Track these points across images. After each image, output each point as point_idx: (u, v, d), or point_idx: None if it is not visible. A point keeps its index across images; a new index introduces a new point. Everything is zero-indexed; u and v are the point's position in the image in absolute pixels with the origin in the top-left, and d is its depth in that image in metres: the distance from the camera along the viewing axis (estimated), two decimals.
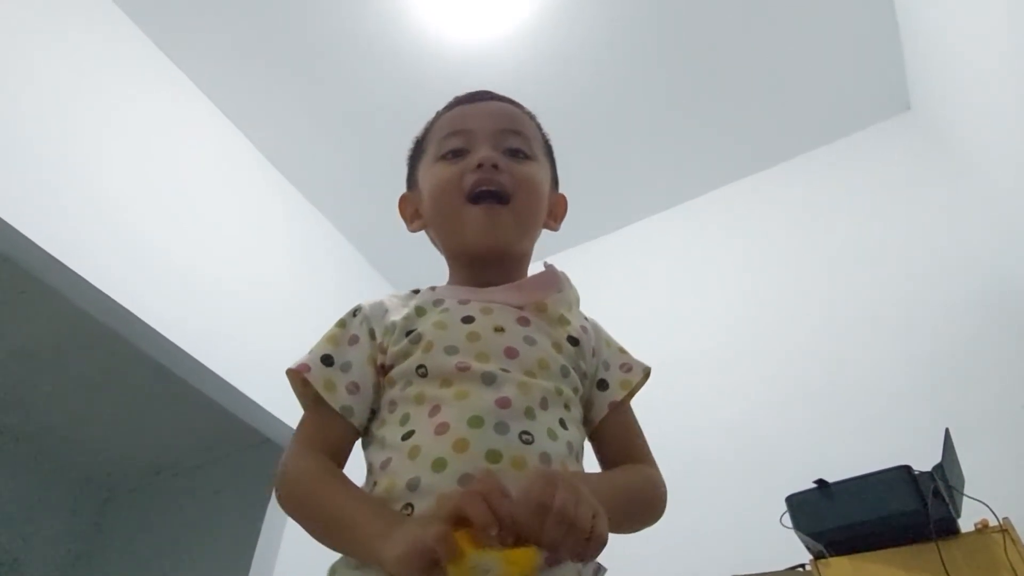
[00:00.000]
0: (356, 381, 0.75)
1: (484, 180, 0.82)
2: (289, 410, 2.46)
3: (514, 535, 0.52)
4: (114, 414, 3.50)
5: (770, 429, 2.19)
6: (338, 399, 0.73)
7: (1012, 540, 1.35)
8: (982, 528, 1.40)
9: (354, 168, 2.98)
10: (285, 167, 2.97)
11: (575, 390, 0.78)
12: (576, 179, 3.00)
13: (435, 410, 0.69)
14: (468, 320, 0.77)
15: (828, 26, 2.54)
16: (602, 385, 0.83)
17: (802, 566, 1.60)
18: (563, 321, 0.81)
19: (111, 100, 2.31)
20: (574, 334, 0.81)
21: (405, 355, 0.75)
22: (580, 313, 0.89)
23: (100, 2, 2.40)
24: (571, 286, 0.89)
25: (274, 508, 2.48)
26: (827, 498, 1.54)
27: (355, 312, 0.82)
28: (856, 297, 2.37)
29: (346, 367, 0.76)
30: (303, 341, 2.67)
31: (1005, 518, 1.40)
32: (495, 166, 0.82)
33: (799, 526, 1.55)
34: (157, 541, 3.69)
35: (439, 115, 0.94)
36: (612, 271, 3.04)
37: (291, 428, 2.40)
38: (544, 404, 0.71)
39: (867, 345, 2.23)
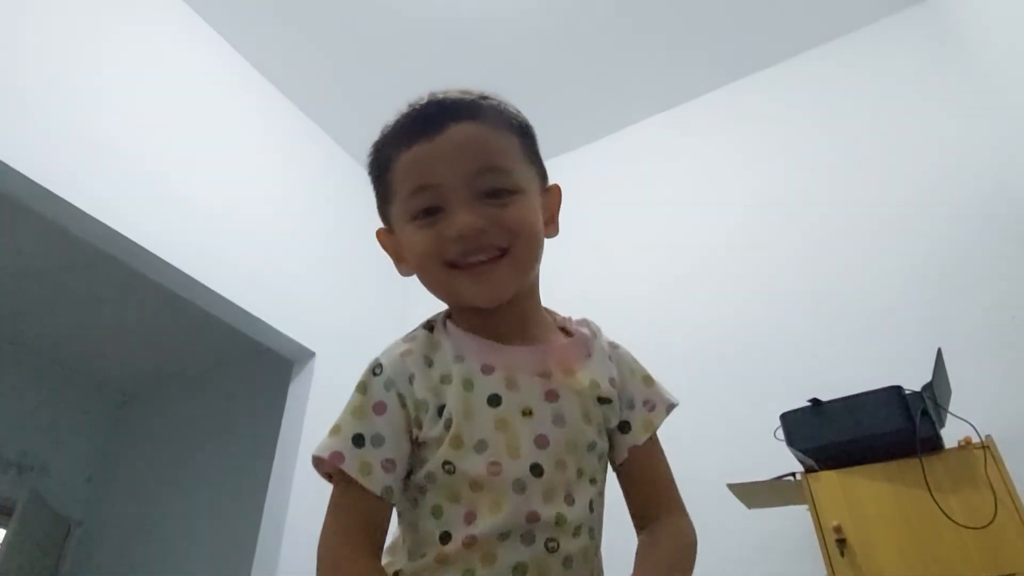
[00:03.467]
0: (392, 458, 0.71)
1: (469, 251, 0.73)
2: (288, 322, 2.53)
3: None
4: (121, 327, 3.59)
5: (766, 343, 2.23)
6: (377, 482, 0.69)
7: (992, 457, 1.43)
8: (965, 445, 1.48)
9: (348, 76, 2.86)
10: (277, 79, 2.86)
11: (600, 456, 0.77)
12: (566, 84, 2.96)
13: (470, 518, 0.69)
14: (495, 402, 0.73)
15: None
16: (624, 428, 0.80)
17: (792, 475, 1.70)
18: (593, 385, 0.77)
19: (99, 26, 2.22)
20: (604, 395, 0.78)
21: (438, 442, 0.72)
22: (605, 350, 0.83)
23: None
24: (600, 336, 0.84)
25: (291, 412, 2.58)
26: (820, 416, 1.61)
27: (375, 370, 0.75)
28: (854, 206, 2.33)
29: (378, 441, 0.71)
30: (301, 255, 2.68)
31: (987, 435, 1.47)
32: (480, 230, 0.72)
33: (792, 442, 1.63)
34: (179, 440, 3.88)
35: (396, 148, 0.78)
36: (604, 178, 2.98)
37: (292, 339, 2.45)
38: (570, 499, 0.72)
39: (861, 259, 2.23)
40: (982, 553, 1.34)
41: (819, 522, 1.52)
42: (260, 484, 2.55)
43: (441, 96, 0.79)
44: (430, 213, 0.74)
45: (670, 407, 0.84)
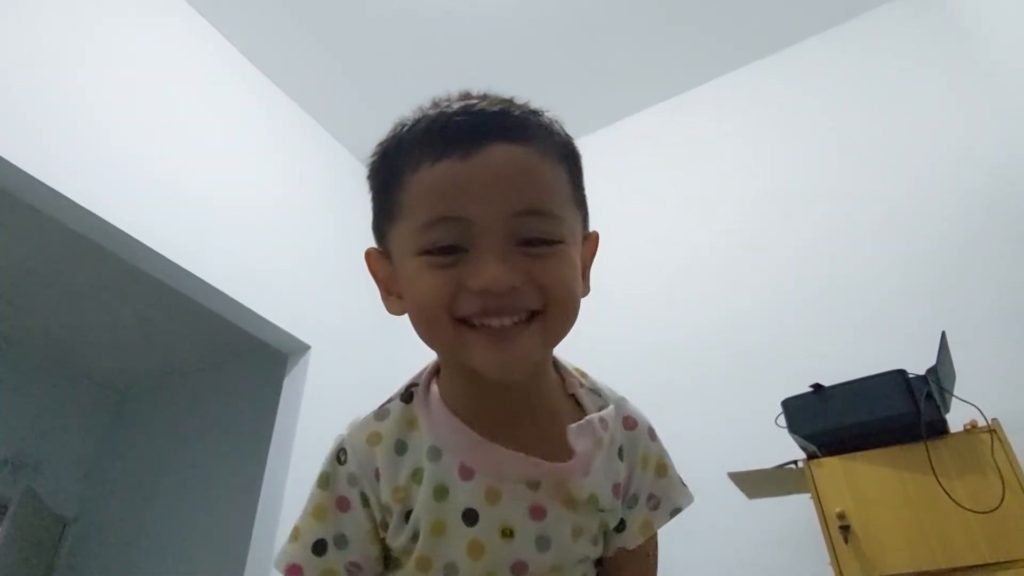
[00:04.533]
0: (357, 561, 0.64)
1: (493, 311, 0.57)
2: (283, 316, 2.50)
3: None
4: (118, 323, 3.56)
5: (768, 331, 2.21)
6: None
7: (999, 440, 1.39)
8: (971, 428, 1.45)
9: (343, 69, 2.84)
10: (271, 71, 2.84)
11: (593, 562, 0.69)
12: (565, 73, 2.93)
13: None
14: (470, 519, 0.62)
15: None
16: (619, 526, 0.69)
17: (794, 463, 1.66)
18: (592, 500, 0.65)
19: (98, 21, 2.20)
20: (606, 507, 0.66)
21: (405, 554, 0.64)
22: (616, 440, 0.68)
23: None
24: (613, 423, 0.68)
25: (286, 406, 2.55)
26: (822, 401, 1.58)
27: (340, 456, 0.66)
28: (858, 194, 2.31)
29: (341, 543, 0.64)
30: (297, 249, 2.65)
31: (994, 419, 1.44)
32: (513, 287, 0.56)
33: (794, 428, 1.60)
34: (174, 437, 3.85)
35: (414, 159, 0.59)
36: (604, 168, 2.94)
37: (287, 333, 2.43)
38: None
39: (867, 245, 2.20)
40: (989, 538, 1.30)
41: (822, 509, 1.48)
42: (255, 481, 2.52)
43: (481, 104, 0.59)
44: (448, 252, 0.57)
45: (675, 511, 0.71)
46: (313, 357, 2.60)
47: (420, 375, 0.70)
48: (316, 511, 0.65)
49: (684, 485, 0.72)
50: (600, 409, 0.69)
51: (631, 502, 0.69)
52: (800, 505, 1.70)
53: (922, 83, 2.40)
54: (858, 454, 1.51)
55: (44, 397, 3.78)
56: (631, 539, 0.69)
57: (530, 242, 0.58)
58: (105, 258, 2.35)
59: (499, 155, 0.58)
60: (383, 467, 0.64)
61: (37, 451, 3.66)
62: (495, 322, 0.57)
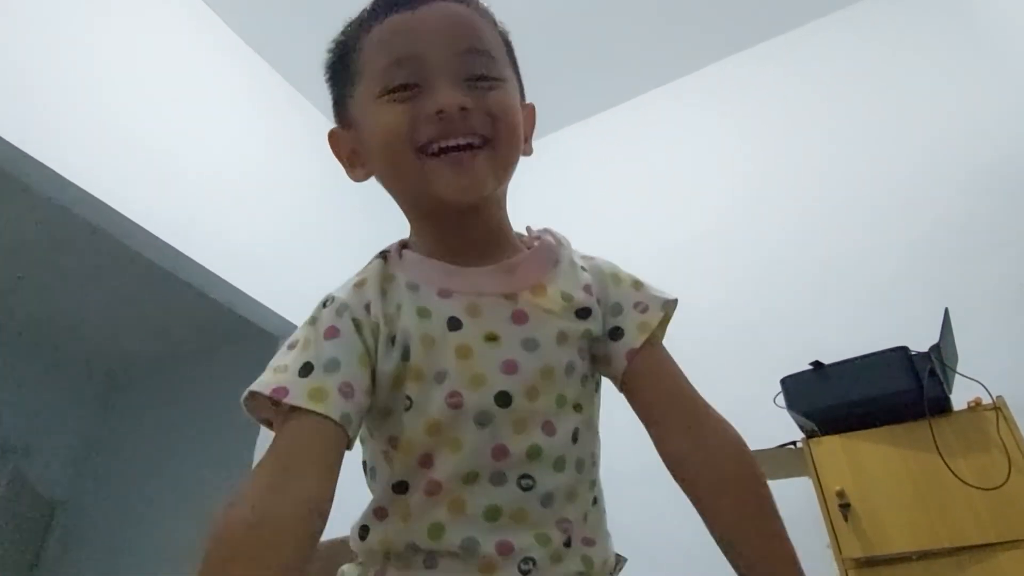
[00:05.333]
0: (349, 382, 0.59)
1: (448, 132, 0.63)
2: (279, 299, 2.46)
3: None
4: (107, 306, 3.51)
5: (767, 309, 2.18)
6: (335, 406, 0.57)
7: (1004, 418, 1.36)
8: (975, 406, 1.41)
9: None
10: (262, 47, 2.79)
11: (584, 379, 0.67)
12: (561, 59, 2.89)
13: (426, 460, 0.61)
14: (455, 325, 0.63)
15: None
16: (615, 334, 0.69)
17: (793, 443, 1.63)
18: (566, 297, 0.67)
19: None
20: (581, 304, 0.67)
21: (394, 378, 0.62)
22: (575, 261, 0.72)
23: None
24: (567, 245, 0.74)
25: None
26: (822, 379, 1.55)
27: (326, 303, 0.66)
28: (861, 174, 2.28)
29: (332, 366, 0.59)
30: (288, 229, 2.61)
31: (999, 396, 1.41)
32: (464, 109, 0.63)
33: (792, 405, 1.57)
34: (164, 424, 3.81)
35: (367, 24, 0.69)
36: (603, 152, 2.93)
37: (277, 314, 2.40)
38: (549, 428, 0.62)
39: (868, 223, 2.18)
40: (994, 516, 1.27)
41: (821, 488, 1.45)
42: (246, 466, 2.48)
43: None
44: (404, 89, 0.64)
45: (666, 303, 0.71)
46: None
47: (389, 247, 0.73)
48: (303, 344, 0.62)
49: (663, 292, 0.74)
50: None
51: (615, 311, 0.70)
52: (799, 485, 1.66)
53: (924, 63, 2.37)
54: (859, 432, 1.48)
55: (34, 380, 3.73)
56: (633, 339, 0.68)
57: (477, 79, 0.66)
58: (96, 237, 2.30)
59: (443, 7, 0.67)
60: (373, 300, 0.65)
61: (27, 434, 3.61)
62: (451, 142, 0.63)
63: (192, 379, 3.82)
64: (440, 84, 0.64)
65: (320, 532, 0.54)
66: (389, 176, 0.69)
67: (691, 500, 0.64)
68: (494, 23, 0.72)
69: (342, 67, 0.72)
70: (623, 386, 0.69)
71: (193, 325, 3.63)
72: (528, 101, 0.76)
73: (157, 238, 2.13)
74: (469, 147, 0.64)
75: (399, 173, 0.68)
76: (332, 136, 0.75)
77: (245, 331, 3.05)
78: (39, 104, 1.90)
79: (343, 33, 0.73)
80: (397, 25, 0.67)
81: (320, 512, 0.53)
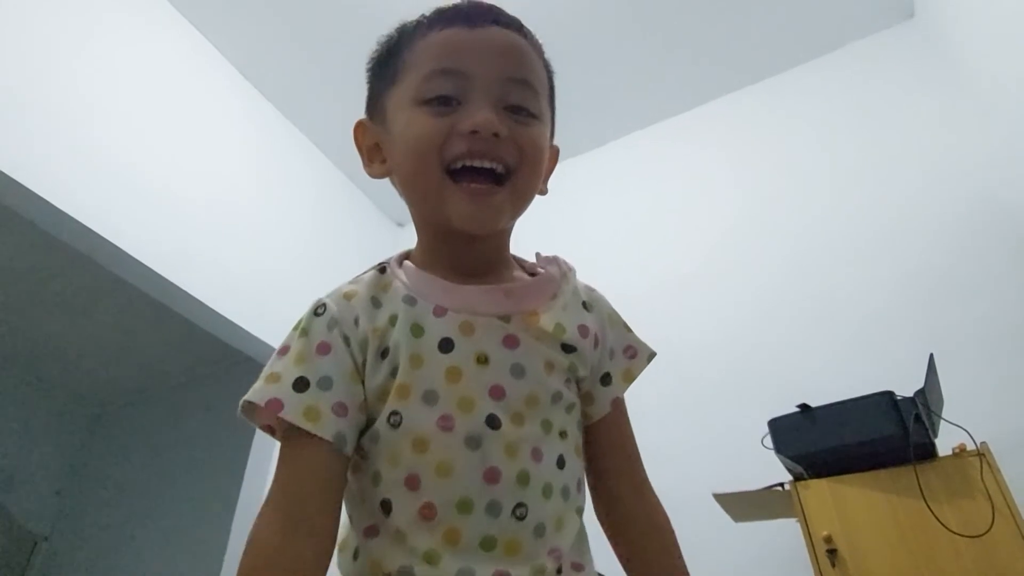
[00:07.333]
0: (342, 401, 0.61)
1: (476, 153, 0.65)
2: (267, 328, 2.46)
3: None
4: (96, 335, 3.49)
5: (754, 350, 2.19)
6: (328, 426, 0.60)
7: (988, 464, 1.37)
8: (959, 452, 1.43)
9: (330, 79, 2.81)
10: (257, 79, 2.81)
11: (569, 407, 0.69)
12: (557, 95, 2.89)
13: (413, 482, 0.61)
14: (446, 347, 0.64)
15: None
16: (606, 380, 0.73)
17: (780, 485, 1.63)
18: (559, 330, 0.68)
19: (72, 15, 2.16)
20: (570, 341, 0.69)
21: (382, 392, 0.63)
22: (579, 294, 0.75)
23: None
24: (571, 278, 0.76)
25: None
26: (809, 422, 1.56)
27: (318, 310, 0.67)
28: (845, 216, 2.31)
29: (325, 384, 0.61)
30: (280, 260, 2.61)
31: (983, 442, 1.42)
32: (496, 135, 0.64)
33: (780, 449, 1.57)
34: (150, 455, 3.76)
35: (423, 29, 0.71)
36: (595, 188, 2.96)
37: (268, 345, 2.39)
38: (537, 455, 0.64)
39: (853, 265, 2.20)
40: (978, 563, 1.28)
41: (809, 532, 1.45)
42: (233, 500, 2.45)
43: (486, 4, 0.72)
44: (444, 102, 0.66)
45: (650, 356, 0.77)
46: None
47: (390, 258, 0.75)
48: (296, 357, 0.63)
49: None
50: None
51: (610, 354, 0.74)
52: (786, 526, 1.66)
53: (907, 107, 2.42)
54: (845, 477, 1.48)
55: (18, 410, 3.69)
56: (618, 388, 0.74)
57: (515, 109, 0.67)
58: (83, 265, 2.30)
59: (500, 33, 0.69)
60: (362, 314, 0.66)
61: (9, 466, 3.56)
62: (476, 163, 0.65)
63: (179, 411, 3.78)
64: (480, 104, 0.65)
65: (327, 568, 0.58)
66: (409, 184, 0.71)
67: (619, 543, 0.73)
68: (544, 60, 0.74)
69: (388, 63, 0.73)
70: (590, 431, 0.73)
71: (183, 356, 3.61)
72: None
73: (148, 268, 2.14)
74: (491, 173, 0.66)
75: (420, 184, 0.69)
76: (359, 125, 0.76)
77: (233, 363, 3.04)
78: (30, 131, 1.91)
79: (397, 31, 0.75)
80: (452, 38, 0.68)
81: (328, 551, 0.59)
